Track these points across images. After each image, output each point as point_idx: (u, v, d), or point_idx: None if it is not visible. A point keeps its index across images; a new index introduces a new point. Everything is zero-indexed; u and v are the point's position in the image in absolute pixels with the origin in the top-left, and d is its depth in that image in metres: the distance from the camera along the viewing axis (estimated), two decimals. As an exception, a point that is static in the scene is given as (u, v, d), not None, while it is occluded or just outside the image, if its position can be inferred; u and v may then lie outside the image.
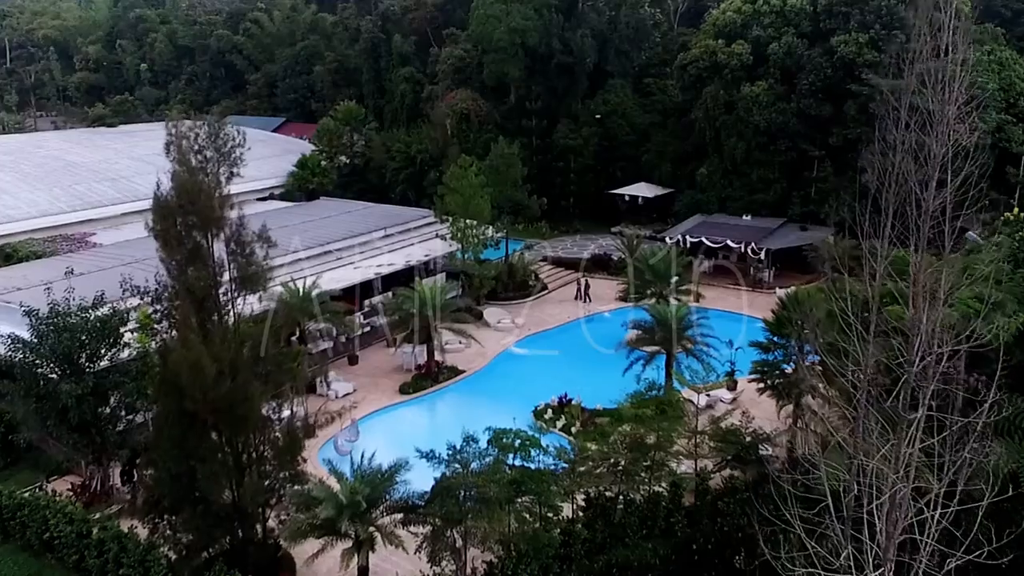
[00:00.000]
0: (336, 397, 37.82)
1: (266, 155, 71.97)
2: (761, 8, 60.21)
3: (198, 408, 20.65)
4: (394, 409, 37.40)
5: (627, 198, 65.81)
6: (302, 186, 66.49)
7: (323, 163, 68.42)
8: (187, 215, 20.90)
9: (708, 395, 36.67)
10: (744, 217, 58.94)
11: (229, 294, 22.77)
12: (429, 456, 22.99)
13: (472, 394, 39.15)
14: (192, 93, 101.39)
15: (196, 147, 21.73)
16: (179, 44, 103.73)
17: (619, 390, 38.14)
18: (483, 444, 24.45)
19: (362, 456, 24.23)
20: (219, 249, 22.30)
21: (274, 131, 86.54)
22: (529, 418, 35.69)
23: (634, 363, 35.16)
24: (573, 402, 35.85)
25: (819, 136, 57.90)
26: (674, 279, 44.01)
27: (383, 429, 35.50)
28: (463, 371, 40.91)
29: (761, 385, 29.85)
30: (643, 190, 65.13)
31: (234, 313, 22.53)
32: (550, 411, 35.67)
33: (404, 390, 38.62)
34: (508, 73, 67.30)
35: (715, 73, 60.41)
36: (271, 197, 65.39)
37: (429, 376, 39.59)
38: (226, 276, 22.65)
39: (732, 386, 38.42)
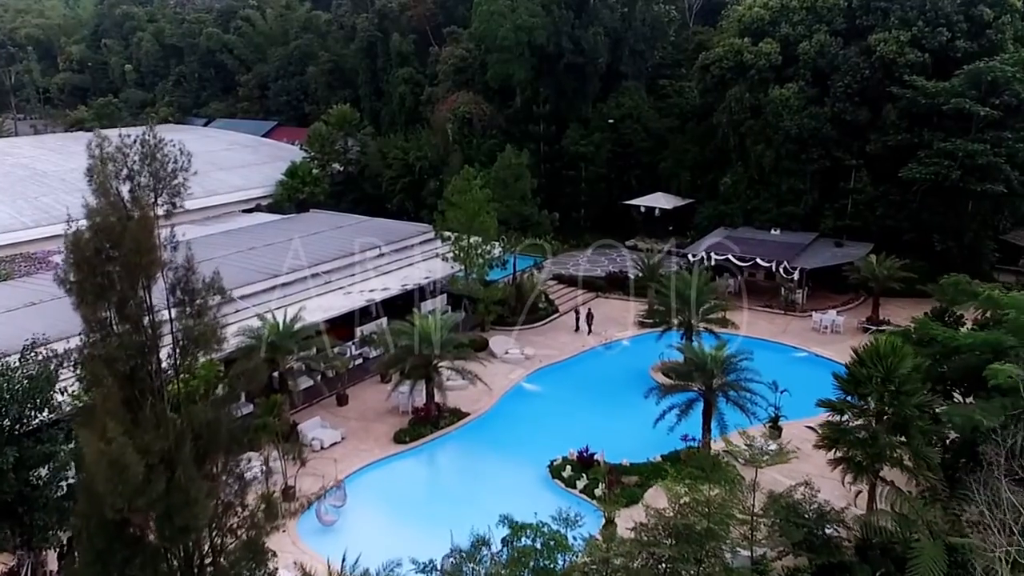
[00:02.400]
0: (320, 448, 32.90)
1: (253, 162, 67.20)
2: (791, 4, 55.28)
3: (123, 516, 15.66)
4: (388, 463, 32.43)
5: (643, 209, 60.88)
6: (292, 196, 61.49)
7: (315, 171, 63.42)
8: (109, 261, 15.91)
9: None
10: (772, 231, 54.00)
11: (173, 358, 17.75)
12: (428, 570, 17.95)
13: (477, 443, 34.19)
14: (180, 95, 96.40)
15: (126, 171, 16.71)
16: (167, 43, 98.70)
17: (647, 439, 33.53)
18: (496, 538, 19.41)
19: (343, 563, 19.17)
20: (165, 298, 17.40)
21: (265, 136, 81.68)
22: (544, 474, 30.86)
23: (667, 412, 30.22)
24: (596, 458, 30.85)
25: (855, 143, 52.94)
26: (707, 306, 39.02)
27: (375, 489, 30.57)
28: (467, 414, 35.95)
29: (832, 456, 24.71)
30: (660, 201, 60.18)
31: (177, 386, 17.49)
32: (569, 467, 30.69)
33: (399, 438, 33.66)
34: (514, 74, 62.31)
35: (740, 74, 55.48)
36: (257, 209, 60.45)
37: (428, 420, 34.65)
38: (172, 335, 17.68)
39: (776, 434, 33.46)
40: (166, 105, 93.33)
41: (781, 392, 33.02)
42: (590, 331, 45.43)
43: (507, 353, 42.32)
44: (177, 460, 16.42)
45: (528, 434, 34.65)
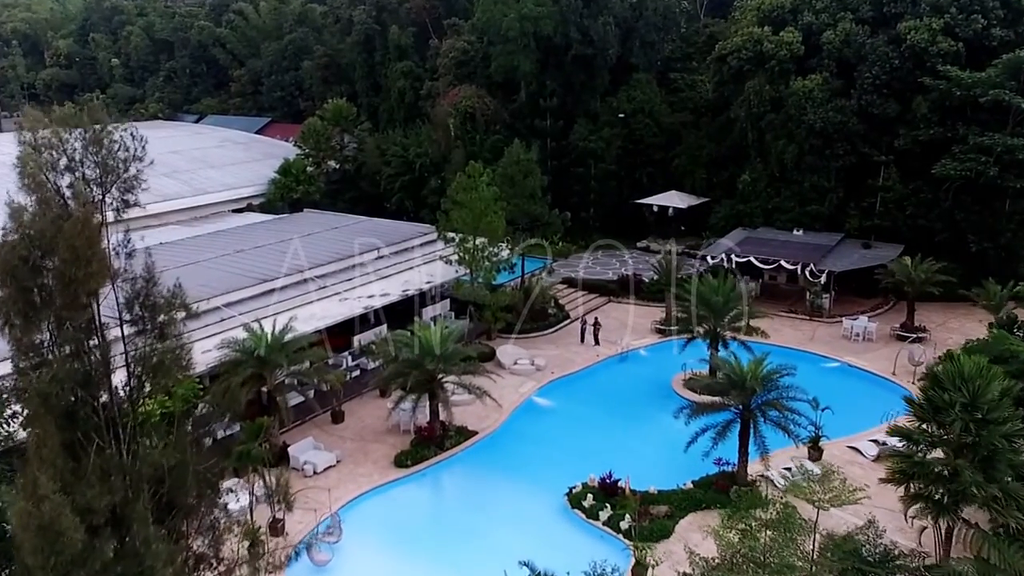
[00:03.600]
0: (313, 473, 29.69)
1: (245, 159, 64.03)
2: (813, -10, 52.20)
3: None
4: (387, 490, 29.18)
5: (655, 208, 57.74)
6: (285, 195, 58.30)
7: (309, 169, 60.20)
8: (38, 273, 12.74)
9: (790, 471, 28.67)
10: (795, 231, 50.84)
11: (128, 390, 14.59)
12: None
13: (487, 465, 30.95)
14: (170, 91, 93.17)
15: (65, 160, 13.50)
16: (157, 38, 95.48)
17: (674, 462, 30.38)
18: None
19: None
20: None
21: (258, 132, 78.51)
22: (562, 503, 27.70)
23: (700, 435, 27.05)
24: (621, 485, 27.66)
25: (883, 138, 49.80)
26: (733, 313, 35.87)
27: (373, 521, 27.35)
28: (474, 432, 32.74)
29: (905, 492, 21.45)
30: (674, 199, 57.03)
31: (132, 427, 14.26)
32: (590, 496, 27.50)
33: (401, 462, 30.44)
34: (519, 67, 59.12)
35: (759, 65, 52.31)
36: (248, 209, 57.26)
37: (432, 440, 31.45)
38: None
39: (817, 456, 30.35)
40: (156, 101, 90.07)
41: (823, 410, 29.85)
42: (596, 342, 42.00)
43: (516, 364, 39.16)
44: (130, 518, 13.22)
45: (542, 456, 31.46)
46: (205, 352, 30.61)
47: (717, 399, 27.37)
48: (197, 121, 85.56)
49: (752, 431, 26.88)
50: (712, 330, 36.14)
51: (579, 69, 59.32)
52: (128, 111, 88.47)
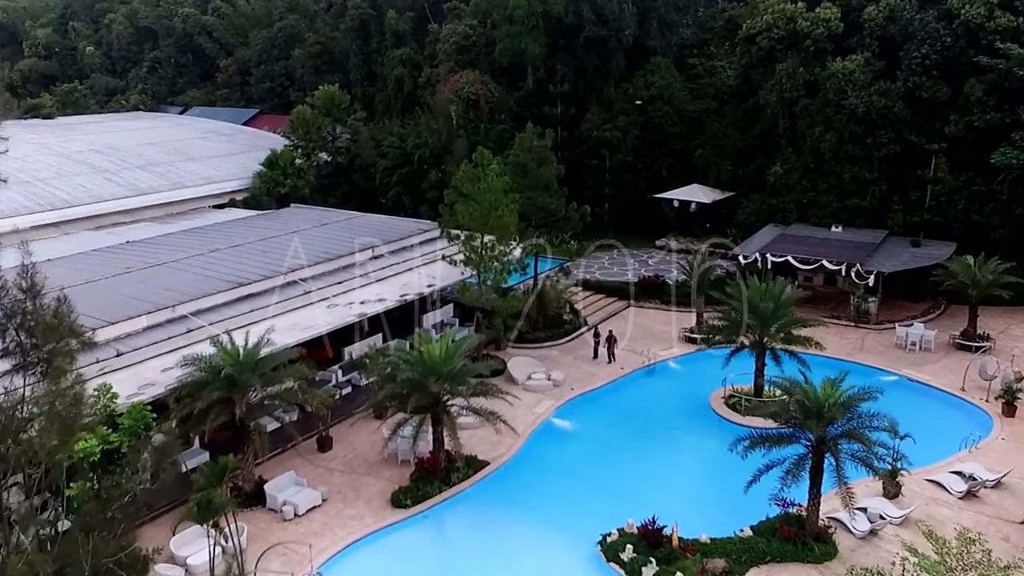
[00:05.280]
0: (294, 516, 24.76)
1: (229, 152, 59.13)
2: (853, -38, 47.44)
3: None
4: (382, 536, 24.22)
5: (676, 204, 52.87)
6: (271, 190, 53.37)
7: (298, 161, 55.26)
8: None
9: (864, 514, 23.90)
10: (833, 228, 46.06)
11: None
12: None
13: (501, 504, 26.03)
14: (154, 82, 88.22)
15: None
16: (140, 26, 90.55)
17: (725, 501, 25.63)
18: None
19: None
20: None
21: (246, 124, 73.56)
22: (594, 553, 22.84)
23: (763, 473, 22.20)
24: (667, 533, 22.75)
25: (932, 125, 44.99)
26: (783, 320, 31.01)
27: (366, 578, 22.44)
28: (485, 463, 27.82)
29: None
30: (698, 194, 52.19)
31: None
32: (630, 547, 22.58)
33: (399, 500, 25.52)
34: (526, 50, 54.24)
35: (793, 45, 47.60)
36: (231, 204, 52.29)
37: (436, 473, 26.54)
38: None
39: (895, 493, 25.52)
40: (139, 93, 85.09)
41: (902, 438, 24.99)
42: (611, 359, 36.63)
43: (530, 379, 34.28)
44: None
45: (566, 492, 26.57)
46: (165, 370, 25.78)
47: (786, 429, 22.48)
48: (182, 113, 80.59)
49: (823, 466, 22.02)
50: (759, 340, 31.30)
51: (592, 52, 54.43)
52: (108, 103, 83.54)
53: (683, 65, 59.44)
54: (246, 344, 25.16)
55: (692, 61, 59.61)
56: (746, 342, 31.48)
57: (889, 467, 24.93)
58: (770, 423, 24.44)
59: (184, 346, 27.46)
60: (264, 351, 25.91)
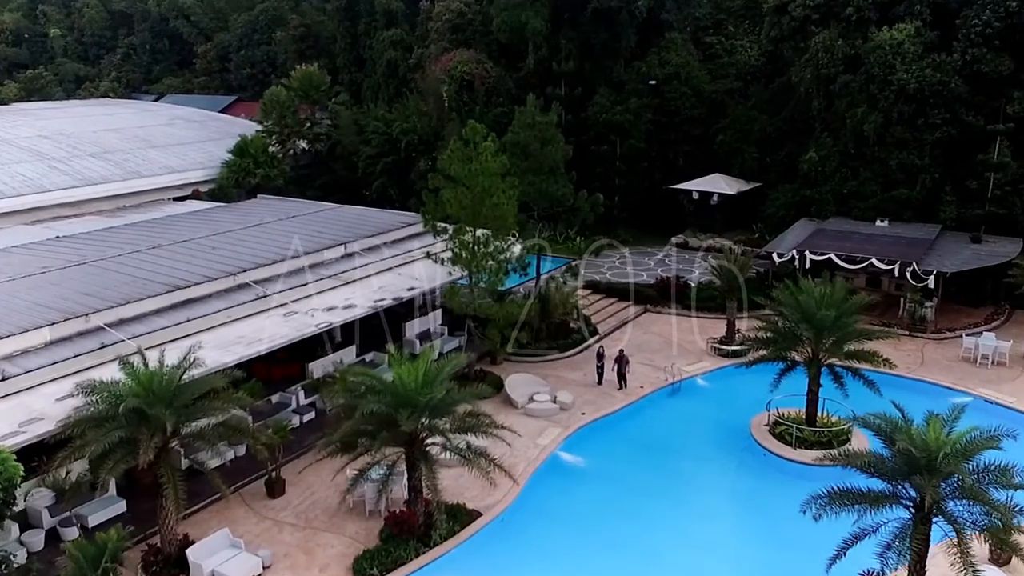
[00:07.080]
0: (224, 594, 18.88)
1: (197, 139, 53.15)
2: (900, -81, 41.51)
3: None
4: (339, 624, 18.38)
5: (695, 195, 47.01)
6: (241, 180, 47.50)
7: (271, 148, 49.39)
8: None
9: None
10: (878, 222, 40.28)
11: None
12: None
13: (495, 571, 20.13)
14: (128, 69, 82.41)
15: None
16: (114, 10, 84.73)
17: (787, 568, 19.86)
18: None
19: None
20: None
21: (222, 112, 67.67)
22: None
23: (853, 544, 16.33)
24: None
25: (993, 103, 39.16)
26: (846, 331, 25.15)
27: None
28: (475, 514, 21.94)
29: None
30: (719, 184, 46.33)
31: None
32: (668, 643, 16.72)
33: (362, 570, 19.61)
34: (527, 24, 48.43)
35: (830, 15, 41.80)
36: (195, 196, 46.36)
37: (411, 530, 20.64)
38: None
39: (1006, 559, 19.65)
40: (112, 80, 79.22)
41: (1017, 488, 19.05)
42: (622, 384, 30.00)
43: (532, 401, 28.41)
44: None
45: (581, 555, 20.68)
46: (59, 400, 19.92)
47: (877, 480, 16.61)
48: (155, 101, 74.71)
49: (929, 534, 16.20)
50: (813, 355, 25.44)
51: (600, 26, 48.55)
52: (76, 91, 77.68)
53: (699, 44, 53.78)
54: (160, 366, 19.27)
55: (710, 39, 53.93)
56: (798, 358, 25.61)
57: (1000, 524, 19.08)
58: (826, 459, 18.69)
59: (94, 366, 21.66)
60: (193, 373, 20.09)
